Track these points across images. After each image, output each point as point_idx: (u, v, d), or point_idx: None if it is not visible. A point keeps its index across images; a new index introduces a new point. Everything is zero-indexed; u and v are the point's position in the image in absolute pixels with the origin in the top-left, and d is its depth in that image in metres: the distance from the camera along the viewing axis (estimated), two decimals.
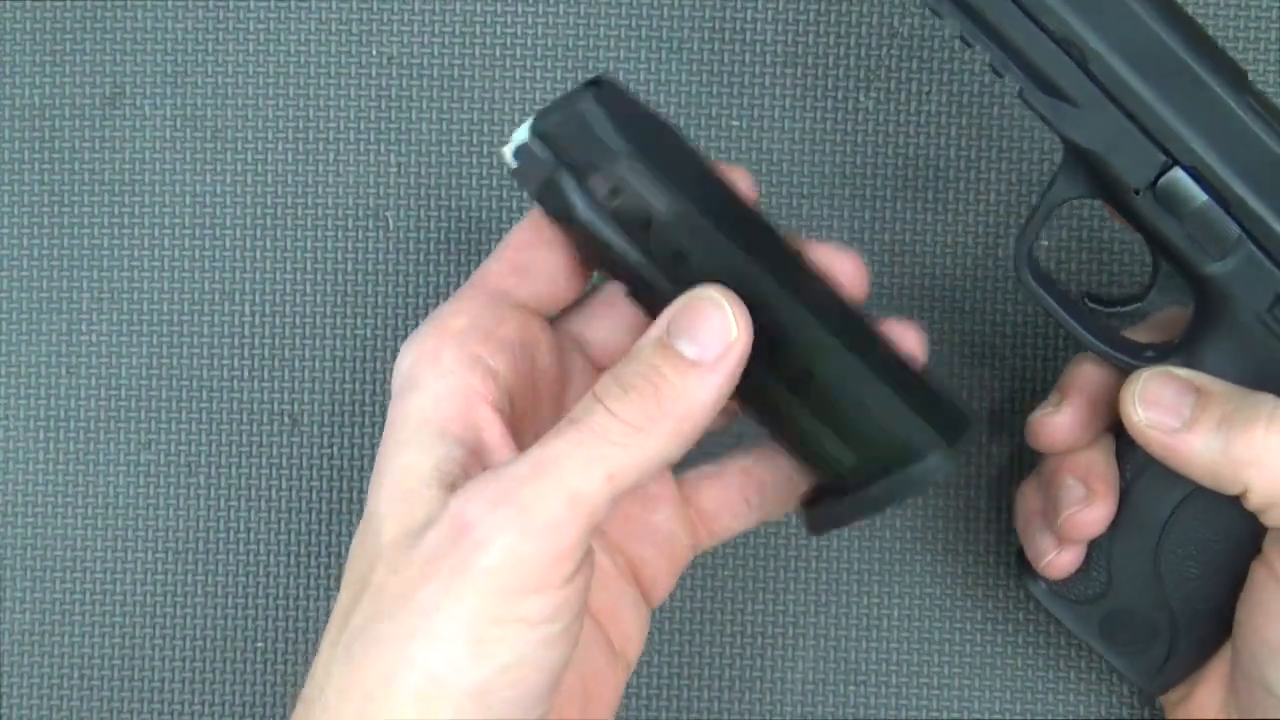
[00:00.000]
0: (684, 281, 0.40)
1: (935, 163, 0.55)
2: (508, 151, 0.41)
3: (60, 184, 0.56)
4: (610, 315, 0.45)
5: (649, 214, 0.41)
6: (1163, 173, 0.44)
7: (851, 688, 0.56)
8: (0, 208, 0.57)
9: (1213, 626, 0.48)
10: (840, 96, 0.55)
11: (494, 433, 0.41)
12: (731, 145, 0.55)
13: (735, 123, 0.55)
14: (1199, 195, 0.44)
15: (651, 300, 0.41)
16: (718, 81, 0.55)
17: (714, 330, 0.39)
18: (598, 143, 0.40)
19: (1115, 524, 0.49)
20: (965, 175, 0.55)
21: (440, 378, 0.41)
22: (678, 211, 0.41)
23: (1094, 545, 0.49)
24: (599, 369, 0.45)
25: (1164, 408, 0.45)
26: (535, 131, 0.41)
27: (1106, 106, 0.43)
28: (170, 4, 0.56)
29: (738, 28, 0.55)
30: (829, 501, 0.43)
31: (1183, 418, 0.45)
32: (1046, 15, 0.43)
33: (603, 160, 0.41)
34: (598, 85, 0.41)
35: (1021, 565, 0.51)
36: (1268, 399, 0.44)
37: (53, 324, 0.57)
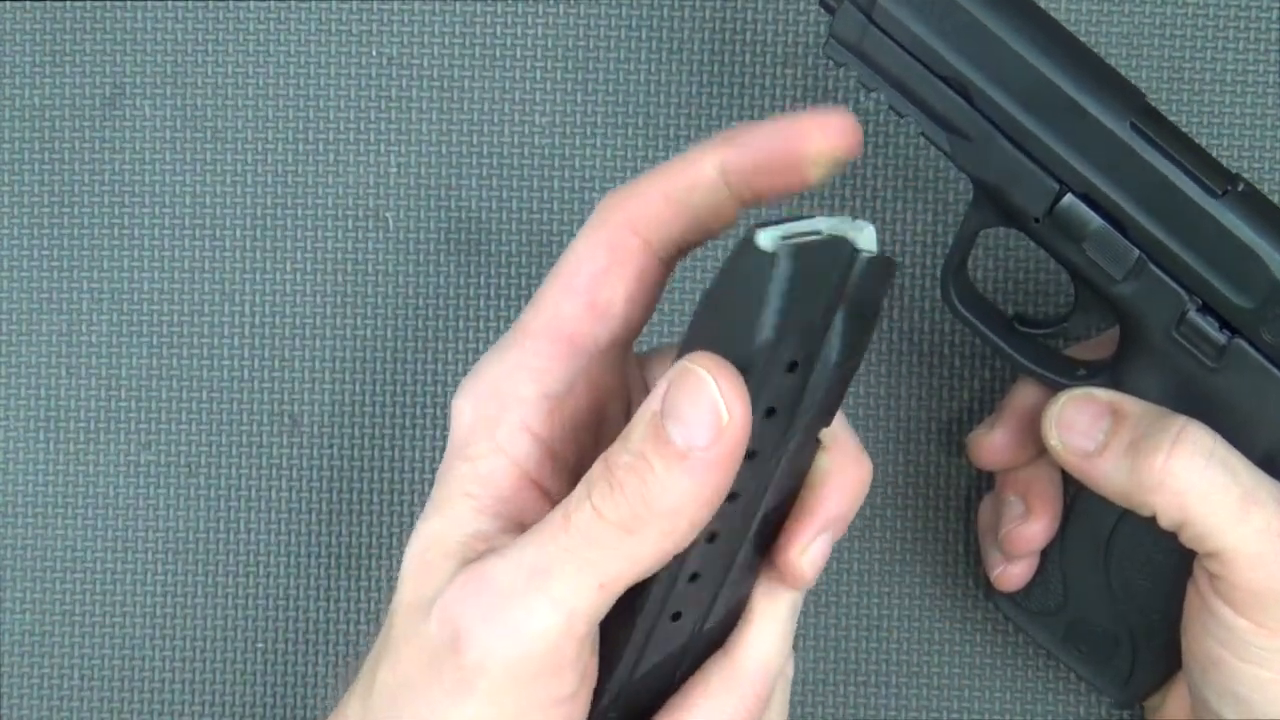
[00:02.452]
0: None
1: (935, 163, 0.55)
2: (869, 237, 0.35)
3: (60, 184, 0.56)
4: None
5: (779, 409, 0.36)
6: (1057, 199, 0.45)
7: (851, 688, 0.56)
8: (0, 208, 0.57)
9: (1173, 636, 0.49)
10: (840, 96, 0.55)
11: (538, 518, 0.37)
12: None
13: (735, 123, 0.55)
14: (1094, 219, 0.45)
15: None
16: (718, 81, 0.55)
17: (702, 413, 0.34)
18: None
19: (1064, 538, 0.50)
20: (964, 177, 0.55)
21: (493, 453, 0.38)
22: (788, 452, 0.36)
23: (1048, 558, 0.51)
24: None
25: (1078, 431, 0.46)
26: (883, 260, 0.35)
27: (997, 139, 0.45)
28: (170, 4, 0.56)
29: (738, 28, 0.55)
30: None
31: (1096, 441, 0.46)
32: (930, 56, 0.44)
33: (831, 358, 0.35)
34: (885, 263, 0.36)
35: (987, 582, 0.52)
36: (1176, 422, 0.45)
37: (53, 324, 0.57)
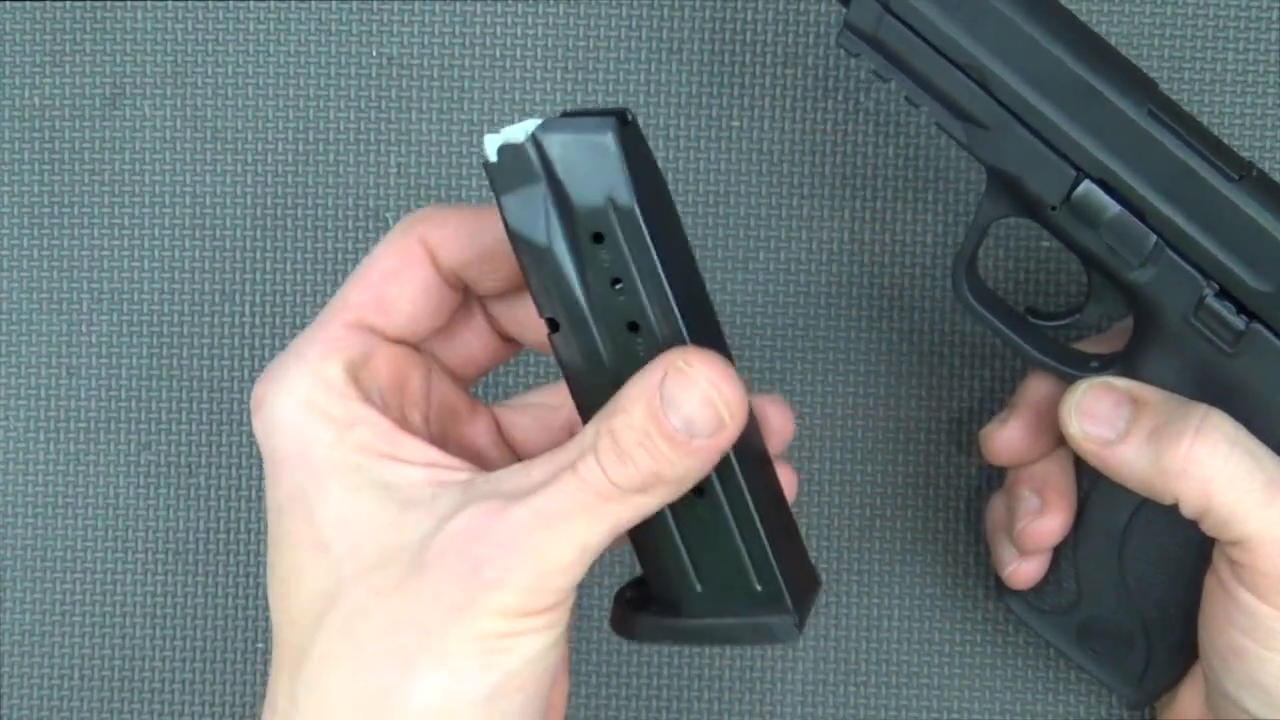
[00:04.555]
0: (621, 348, 0.39)
1: (935, 163, 0.55)
2: (491, 143, 0.39)
3: (60, 184, 0.56)
4: (468, 335, 0.46)
5: (624, 276, 0.39)
6: (1074, 186, 0.45)
7: (851, 688, 0.56)
8: (0, 208, 0.57)
9: (1188, 632, 0.49)
10: (840, 96, 0.55)
11: (426, 452, 0.41)
12: (732, 145, 0.55)
13: (735, 123, 0.55)
14: (1112, 206, 0.45)
15: (580, 350, 0.40)
16: (718, 81, 0.55)
17: (706, 417, 0.38)
18: (600, 182, 0.39)
19: (1078, 534, 0.50)
20: (965, 176, 0.55)
21: (346, 428, 0.40)
22: (653, 285, 0.39)
23: (1061, 555, 0.50)
24: (458, 380, 0.46)
25: (1099, 419, 0.46)
26: (537, 137, 0.39)
27: (1014, 127, 0.45)
28: (170, 4, 0.56)
29: (738, 28, 0.55)
30: (653, 611, 0.43)
31: (1117, 430, 0.46)
32: (948, 44, 0.44)
33: (598, 202, 0.39)
34: (623, 122, 0.39)
35: (998, 581, 0.52)
36: (1198, 410, 0.45)
37: (53, 324, 0.57)
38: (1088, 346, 0.51)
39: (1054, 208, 0.45)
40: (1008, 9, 0.44)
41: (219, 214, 0.56)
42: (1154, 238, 0.45)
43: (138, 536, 0.57)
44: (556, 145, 0.39)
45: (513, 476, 0.40)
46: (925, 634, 0.56)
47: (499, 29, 0.56)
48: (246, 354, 0.56)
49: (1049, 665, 0.56)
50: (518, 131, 0.39)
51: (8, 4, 0.56)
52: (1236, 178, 0.44)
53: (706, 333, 0.41)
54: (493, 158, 0.39)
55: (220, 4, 0.56)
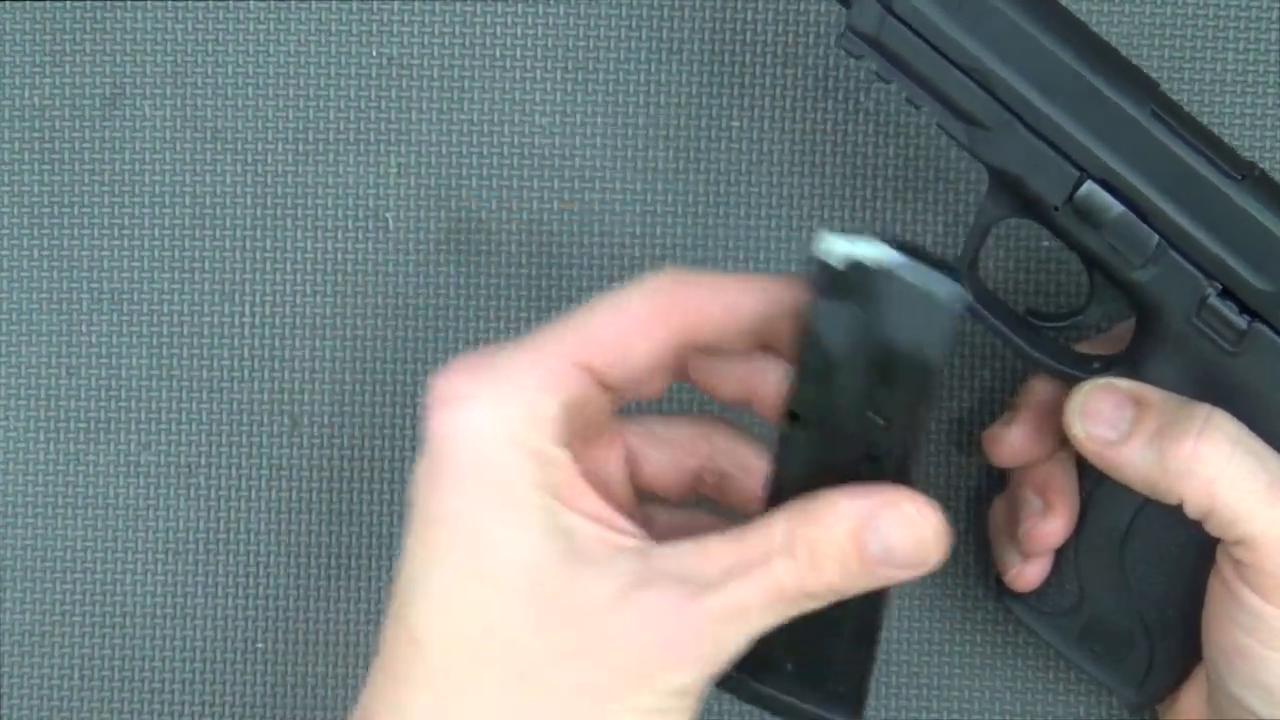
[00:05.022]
0: (849, 468, 0.41)
1: (935, 163, 0.55)
2: (833, 246, 0.39)
3: (60, 184, 0.56)
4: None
5: (890, 418, 0.40)
6: (1077, 187, 0.45)
7: None
8: (0, 208, 0.57)
9: (1190, 634, 0.49)
10: (840, 96, 0.55)
11: (600, 508, 0.41)
12: (731, 145, 0.55)
13: (735, 123, 0.55)
14: (1114, 206, 0.45)
15: (810, 454, 0.41)
16: (718, 81, 0.55)
17: (911, 551, 0.40)
18: (919, 335, 0.39)
19: (1080, 535, 0.50)
20: (965, 176, 0.55)
21: (542, 466, 0.40)
22: (910, 438, 0.40)
23: (1063, 557, 0.50)
24: (612, 395, 0.44)
25: (1103, 420, 0.46)
26: (886, 269, 0.39)
27: (1016, 127, 0.45)
28: (170, 4, 0.56)
29: (738, 28, 0.55)
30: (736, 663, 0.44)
31: (1120, 430, 0.46)
32: (950, 46, 0.45)
33: (907, 351, 0.39)
34: (964, 294, 0.39)
35: (1000, 583, 0.52)
36: (1201, 410, 0.45)
37: (53, 324, 0.57)
38: (1089, 348, 0.51)
39: (1056, 208, 0.46)
40: (1010, 10, 0.44)
41: (219, 214, 0.56)
42: (1156, 238, 0.45)
43: (138, 536, 0.57)
44: (899, 286, 0.39)
45: (693, 559, 0.40)
46: (925, 634, 0.56)
47: (499, 29, 0.56)
48: (246, 354, 0.56)
49: (1049, 665, 0.56)
50: (867, 250, 0.39)
51: (8, 4, 0.56)
52: (1239, 177, 0.45)
53: (919, 479, 0.42)
54: (834, 264, 0.39)
55: (220, 4, 0.56)
